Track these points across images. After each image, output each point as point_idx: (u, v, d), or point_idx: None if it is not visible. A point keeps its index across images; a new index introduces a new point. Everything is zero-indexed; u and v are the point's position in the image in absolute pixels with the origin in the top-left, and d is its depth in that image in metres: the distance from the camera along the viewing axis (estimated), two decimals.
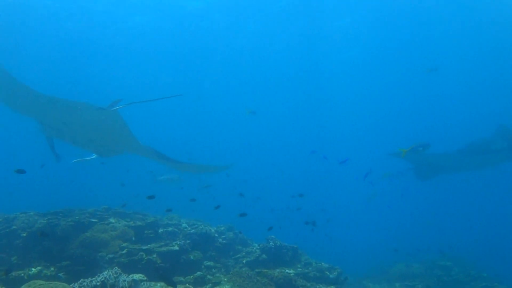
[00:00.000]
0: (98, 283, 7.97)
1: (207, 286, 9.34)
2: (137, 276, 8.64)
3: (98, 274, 8.30)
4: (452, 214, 35.71)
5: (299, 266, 12.11)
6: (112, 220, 11.50)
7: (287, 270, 11.20)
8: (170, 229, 11.93)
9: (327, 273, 11.99)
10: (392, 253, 19.29)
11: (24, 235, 10.16)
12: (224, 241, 12.53)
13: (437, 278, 15.86)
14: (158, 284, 8.64)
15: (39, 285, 7.12)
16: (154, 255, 10.32)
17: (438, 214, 35.45)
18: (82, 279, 7.94)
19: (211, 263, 11.16)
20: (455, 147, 17.43)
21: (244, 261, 11.83)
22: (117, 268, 8.59)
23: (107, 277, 8.06)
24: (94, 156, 12.23)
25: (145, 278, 8.71)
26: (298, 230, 19.67)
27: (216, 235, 12.59)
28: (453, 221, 33.93)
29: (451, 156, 17.26)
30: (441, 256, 18.18)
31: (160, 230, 11.74)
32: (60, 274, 9.09)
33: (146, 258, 10.09)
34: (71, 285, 7.33)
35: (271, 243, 12.27)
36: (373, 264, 19.03)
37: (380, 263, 18.88)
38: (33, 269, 9.09)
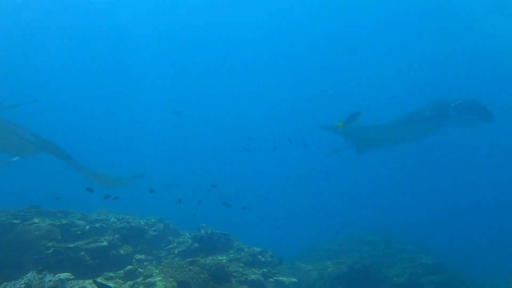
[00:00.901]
0: (22, 286, 7.72)
1: (138, 279, 9.23)
2: (63, 275, 8.42)
3: (22, 276, 8.04)
4: (380, 188, 36.80)
5: (231, 252, 12.22)
6: (36, 220, 11.14)
7: (219, 257, 11.28)
8: (97, 225, 11.68)
9: (260, 257, 12.17)
10: (328, 233, 19.77)
11: None
12: (155, 233, 12.43)
13: (366, 253, 16.43)
14: (87, 281, 8.48)
15: None
16: (82, 253, 10.11)
17: (367, 189, 36.40)
18: (5, 283, 7.67)
19: (142, 256, 11.07)
20: (387, 119, 17.65)
21: (176, 252, 11.80)
22: (42, 268, 8.35)
23: (31, 278, 7.83)
24: (16, 158, 11.89)
25: (72, 277, 8.50)
26: (233, 217, 19.81)
27: (146, 227, 12.47)
28: (381, 196, 35.00)
29: (382, 127, 17.37)
30: (366, 231, 18.81)
31: (88, 227, 11.46)
32: None
33: (73, 256, 9.87)
34: None
35: (202, 232, 12.30)
36: (308, 245, 19.39)
37: (314, 243, 19.27)
38: None
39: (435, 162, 37.21)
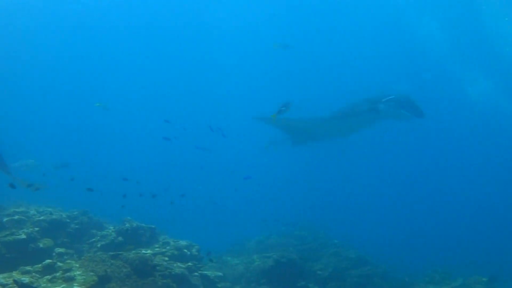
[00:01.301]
0: None
1: (57, 274, 8.96)
2: None
3: None
4: (310, 184, 37.07)
5: (156, 246, 12.12)
6: None
7: (143, 251, 11.14)
8: (16, 217, 11.22)
9: (185, 250, 12.15)
10: (255, 227, 19.87)
11: None
12: (77, 226, 12.09)
13: (293, 247, 16.67)
14: (1, 276, 8.17)
15: None
16: None
17: (297, 184, 36.56)
18: None
19: (62, 250, 10.74)
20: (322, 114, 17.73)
21: (99, 245, 11.55)
22: None
23: None
24: None
25: None
26: (163, 212, 19.49)
27: (68, 220, 12.09)
28: (311, 191, 35.28)
29: (315, 120, 17.37)
30: (296, 226, 19.10)
31: (5, 219, 10.99)
32: None
33: None
34: None
35: (127, 225, 12.12)
36: (236, 239, 19.44)
37: (243, 238, 19.34)
38: None
39: (363, 158, 37.99)
